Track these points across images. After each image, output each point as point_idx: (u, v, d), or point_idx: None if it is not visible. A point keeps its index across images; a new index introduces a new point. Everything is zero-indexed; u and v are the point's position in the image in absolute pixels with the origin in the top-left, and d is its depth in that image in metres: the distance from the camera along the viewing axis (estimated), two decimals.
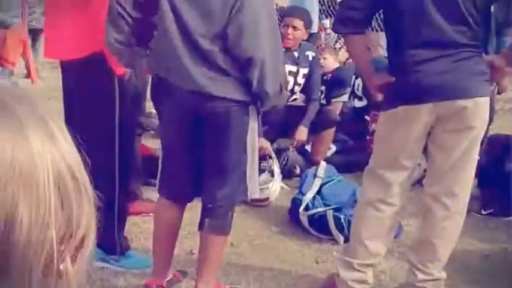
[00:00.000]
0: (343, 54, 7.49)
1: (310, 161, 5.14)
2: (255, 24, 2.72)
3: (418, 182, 4.00)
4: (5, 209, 0.59)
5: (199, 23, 2.73)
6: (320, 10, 8.66)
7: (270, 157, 4.78)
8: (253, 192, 3.00)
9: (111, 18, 2.80)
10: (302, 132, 5.15)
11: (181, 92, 2.80)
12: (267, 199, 4.51)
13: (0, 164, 0.59)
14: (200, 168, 2.93)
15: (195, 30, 2.74)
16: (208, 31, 2.73)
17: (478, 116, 2.88)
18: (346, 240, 3.61)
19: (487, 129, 3.43)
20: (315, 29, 8.19)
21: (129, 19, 2.77)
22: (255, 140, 2.94)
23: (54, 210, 0.61)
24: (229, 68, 2.76)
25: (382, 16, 3.17)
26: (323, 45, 7.83)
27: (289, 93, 4.97)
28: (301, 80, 5.19)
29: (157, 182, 3.06)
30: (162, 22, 2.77)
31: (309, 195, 4.18)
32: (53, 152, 0.62)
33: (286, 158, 5.12)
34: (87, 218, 0.65)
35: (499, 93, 5.17)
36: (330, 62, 6.09)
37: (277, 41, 2.88)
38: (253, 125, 2.89)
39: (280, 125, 5.13)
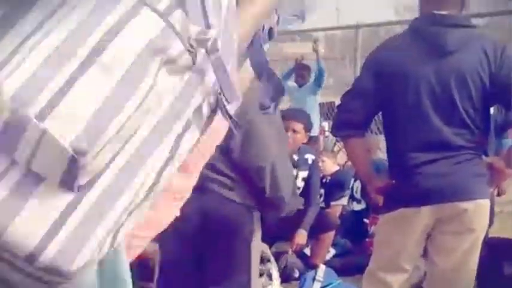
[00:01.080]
0: (341, 157, 7.53)
1: (309, 264, 5.06)
2: (258, 131, 2.67)
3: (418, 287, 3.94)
4: None
5: None
6: (319, 113, 8.80)
7: (268, 260, 4.71)
8: None
9: None
10: (301, 236, 5.10)
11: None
12: None
13: None
14: (203, 274, 2.84)
15: None
16: None
17: (479, 218, 2.87)
18: None
19: (487, 231, 3.41)
20: (315, 132, 8.30)
21: None
22: (259, 246, 2.89)
23: None
24: (237, 176, 2.72)
25: (381, 119, 3.20)
26: (321, 148, 7.89)
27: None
28: (300, 184, 5.19)
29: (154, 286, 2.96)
30: None
31: None
32: None
33: (284, 261, 5.05)
34: None
35: (498, 195, 5.18)
36: (329, 165, 6.11)
37: (283, 143, 2.85)
38: (258, 232, 2.85)
39: (278, 228, 5.08)
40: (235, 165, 2.70)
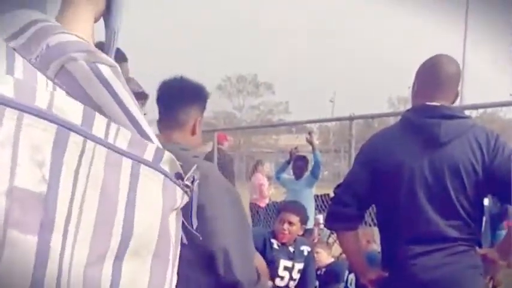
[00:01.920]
0: (336, 249, 7.48)
1: None
2: (211, 212, 2.52)
3: None
4: None
5: None
6: (315, 205, 8.79)
7: None
8: None
9: None
10: None
11: None
12: None
13: None
14: None
15: None
16: None
17: None
18: None
19: None
20: (310, 224, 8.26)
21: None
22: None
23: None
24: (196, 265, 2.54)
25: (375, 211, 3.20)
26: (316, 240, 7.84)
27: (272, 284, 4.88)
28: (296, 275, 5.14)
29: None
30: None
31: None
32: None
33: None
34: None
35: (493, 287, 5.11)
36: (324, 257, 6.07)
37: (245, 229, 2.74)
38: None
39: None
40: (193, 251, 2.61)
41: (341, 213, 3.03)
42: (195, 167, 1.00)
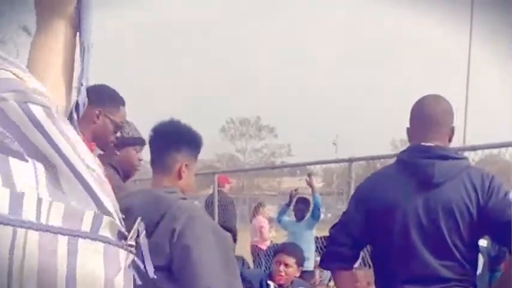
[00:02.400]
0: None
1: None
2: (202, 261, 2.50)
3: None
4: None
5: None
6: (316, 247, 8.75)
7: None
8: None
9: None
10: None
11: None
12: None
13: None
14: None
15: None
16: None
17: None
18: None
19: None
20: (310, 266, 8.19)
21: None
22: None
23: None
24: None
25: (369, 251, 3.18)
26: (317, 283, 7.79)
27: None
28: None
29: None
30: None
31: None
32: None
33: None
34: None
35: None
36: None
37: (232, 270, 2.67)
38: None
39: None
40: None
41: (336, 252, 3.03)
42: (139, 220, 0.97)
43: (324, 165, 8.94)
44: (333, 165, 8.77)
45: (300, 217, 8.79)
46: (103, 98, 3.13)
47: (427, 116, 2.96)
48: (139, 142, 3.94)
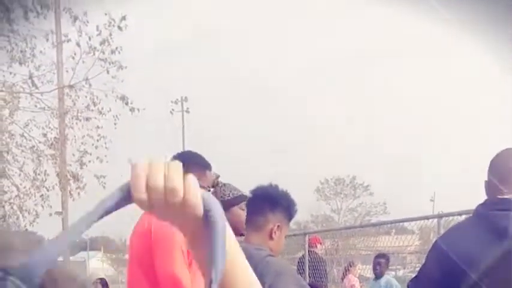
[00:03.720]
0: None
1: None
2: None
3: None
4: None
5: None
6: None
7: None
8: None
9: None
10: None
11: None
12: None
13: None
14: None
15: None
16: None
17: None
18: None
19: None
20: None
21: None
22: None
23: None
24: None
25: None
26: None
27: None
28: None
29: None
30: None
31: None
32: None
33: None
34: None
35: None
36: None
37: None
38: None
39: None
40: None
41: None
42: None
43: (420, 223, 8.87)
44: (429, 222, 8.68)
45: (378, 274, 8.74)
46: (189, 164, 3.27)
47: (505, 168, 2.99)
48: (243, 199, 4.02)
